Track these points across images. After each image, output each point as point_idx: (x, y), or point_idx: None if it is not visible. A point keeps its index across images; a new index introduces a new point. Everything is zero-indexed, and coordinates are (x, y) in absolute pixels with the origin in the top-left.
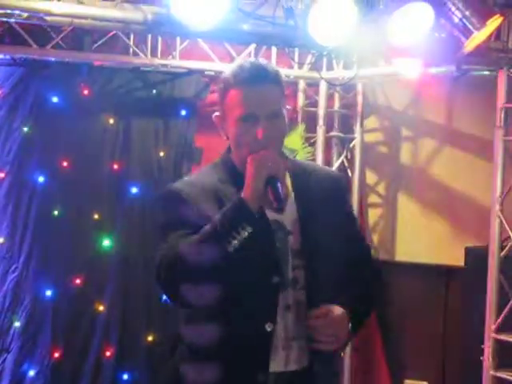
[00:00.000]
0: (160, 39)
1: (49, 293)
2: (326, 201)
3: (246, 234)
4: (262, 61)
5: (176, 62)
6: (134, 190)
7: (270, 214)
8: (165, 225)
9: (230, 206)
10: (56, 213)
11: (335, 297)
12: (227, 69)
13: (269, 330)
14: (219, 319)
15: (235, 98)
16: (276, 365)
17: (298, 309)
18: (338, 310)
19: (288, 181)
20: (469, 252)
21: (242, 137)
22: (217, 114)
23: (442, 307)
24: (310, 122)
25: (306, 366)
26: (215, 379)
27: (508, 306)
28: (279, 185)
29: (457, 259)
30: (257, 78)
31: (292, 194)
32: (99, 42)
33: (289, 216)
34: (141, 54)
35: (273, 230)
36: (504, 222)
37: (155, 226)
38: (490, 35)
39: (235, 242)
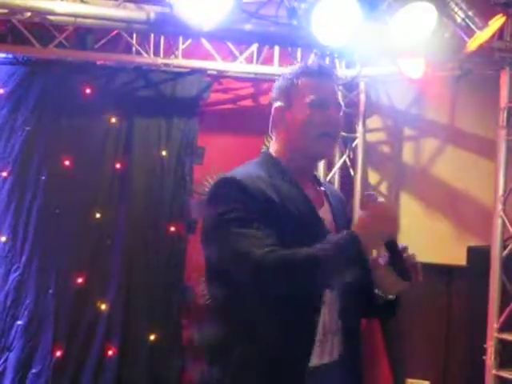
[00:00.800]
0: (163, 38)
1: (51, 291)
2: (343, 213)
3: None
4: (322, 62)
5: (178, 62)
6: (137, 189)
7: (318, 210)
8: (229, 212)
9: (347, 242)
10: (58, 211)
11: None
12: (290, 67)
13: (316, 320)
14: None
15: (306, 86)
16: (313, 359)
17: (331, 305)
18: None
19: (317, 185)
20: (471, 251)
21: (315, 121)
22: (279, 104)
23: (444, 306)
24: None
25: (336, 360)
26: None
27: (510, 306)
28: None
29: (459, 259)
30: (326, 71)
31: (325, 197)
32: (102, 41)
33: (327, 216)
34: (143, 53)
35: None
36: (506, 221)
37: (212, 215)
38: (493, 35)
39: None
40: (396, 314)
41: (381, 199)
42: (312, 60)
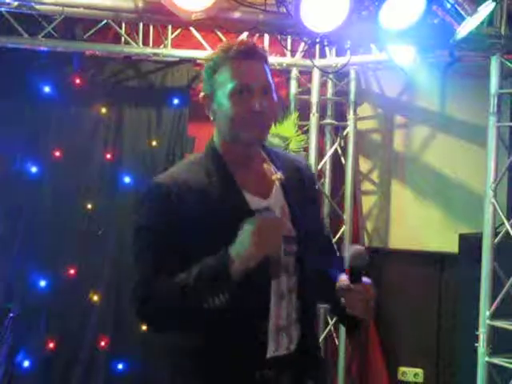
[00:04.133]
0: (152, 28)
1: (43, 283)
2: (302, 189)
3: (225, 298)
4: (248, 40)
5: (168, 51)
6: (127, 179)
7: (259, 201)
8: (147, 227)
9: (214, 269)
10: (49, 203)
11: (319, 284)
12: (214, 51)
13: (261, 323)
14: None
15: (226, 72)
16: (268, 351)
17: (290, 296)
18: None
19: (268, 166)
20: (462, 239)
21: (236, 110)
22: (203, 94)
23: (436, 294)
24: (303, 109)
25: (295, 350)
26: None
27: (502, 293)
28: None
29: (451, 246)
30: (247, 53)
31: (278, 184)
32: (91, 31)
33: (276, 202)
34: (133, 43)
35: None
36: (498, 208)
37: (136, 220)
38: (483, 21)
39: (216, 300)
40: (358, 333)
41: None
42: (232, 42)
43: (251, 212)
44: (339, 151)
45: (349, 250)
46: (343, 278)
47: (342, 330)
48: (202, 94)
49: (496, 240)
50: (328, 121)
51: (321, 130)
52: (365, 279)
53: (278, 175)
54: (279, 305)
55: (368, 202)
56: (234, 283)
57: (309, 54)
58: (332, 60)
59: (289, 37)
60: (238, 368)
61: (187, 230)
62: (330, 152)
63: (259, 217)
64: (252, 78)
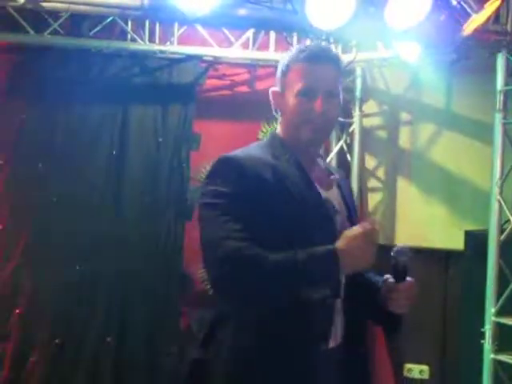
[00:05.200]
0: (158, 25)
1: (49, 279)
2: (350, 191)
3: (325, 293)
4: (324, 44)
5: (174, 48)
6: (133, 175)
7: (323, 192)
8: (218, 194)
9: (325, 260)
10: (55, 199)
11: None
12: (291, 50)
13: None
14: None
15: (297, 73)
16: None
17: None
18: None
19: (324, 165)
20: (468, 236)
21: (300, 110)
22: (275, 89)
23: (442, 291)
24: None
25: (340, 344)
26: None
27: (508, 290)
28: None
29: (456, 243)
30: (319, 56)
31: (334, 184)
32: (97, 28)
33: (335, 197)
34: (139, 39)
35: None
36: (504, 205)
37: (205, 193)
38: (489, 18)
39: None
40: (398, 330)
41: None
42: (313, 43)
43: (321, 197)
44: (345, 148)
45: (393, 249)
46: (388, 277)
47: None
48: (273, 89)
49: (502, 237)
50: None
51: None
52: (408, 278)
53: (336, 176)
54: None
55: (374, 199)
56: (337, 281)
57: None
58: None
59: (295, 34)
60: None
61: (262, 199)
62: (335, 149)
63: (367, 227)
64: (319, 82)
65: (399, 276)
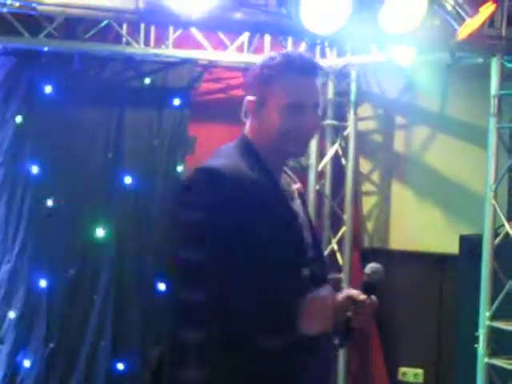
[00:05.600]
0: (153, 28)
1: (43, 283)
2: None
3: None
4: (307, 53)
5: (169, 51)
6: (128, 179)
7: (292, 205)
8: (200, 225)
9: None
10: (50, 203)
11: None
12: (271, 57)
13: None
14: None
15: (283, 85)
16: None
17: None
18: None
19: (290, 180)
20: (463, 239)
21: (288, 123)
22: (252, 98)
23: (436, 295)
24: None
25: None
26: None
27: (502, 294)
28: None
29: (451, 247)
30: (306, 69)
31: (296, 194)
32: (92, 32)
33: (299, 210)
34: (134, 43)
35: None
36: (498, 209)
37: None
38: (484, 22)
39: None
40: (344, 344)
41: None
42: (294, 52)
43: (292, 209)
44: (340, 152)
45: (368, 266)
46: (354, 292)
47: None
48: (250, 99)
49: (496, 241)
50: (328, 121)
51: (321, 131)
52: (373, 297)
53: (298, 185)
54: None
55: (368, 203)
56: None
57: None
58: (332, 61)
59: (289, 38)
60: None
61: (246, 219)
62: (330, 152)
63: (340, 298)
64: (307, 96)
65: (368, 293)
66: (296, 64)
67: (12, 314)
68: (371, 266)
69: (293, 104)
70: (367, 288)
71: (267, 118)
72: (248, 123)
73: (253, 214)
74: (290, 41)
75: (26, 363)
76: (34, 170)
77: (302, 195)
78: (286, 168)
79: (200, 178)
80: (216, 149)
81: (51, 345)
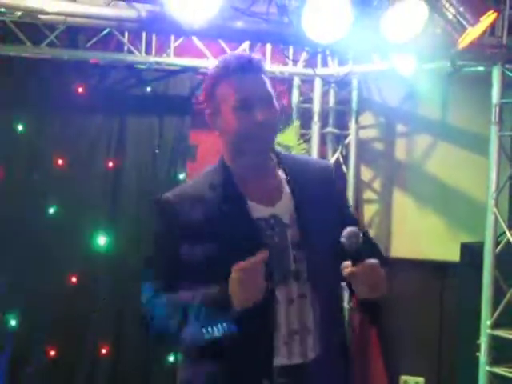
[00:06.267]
0: (154, 37)
1: (44, 291)
2: (321, 192)
3: (224, 328)
4: (244, 53)
5: (170, 60)
6: (130, 187)
7: (267, 209)
8: (154, 237)
9: (216, 304)
10: (51, 211)
11: (337, 287)
12: (212, 66)
13: (268, 330)
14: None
15: (227, 89)
16: (279, 359)
17: (302, 302)
18: (374, 260)
19: (281, 173)
20: (464, 247)
21: (240, 124)
22: (208, 111)
23: (437, 303)
24: (305, 118)
25: (314, 359)
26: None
27: (503, 302)
28: None
29: (452, 255)
30: (244, 67)
31: (287, 187)
32: (94, 40)
33: (285, 209)
34: (135, 51)
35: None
36: (499, 217)
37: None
38: (485, 31)
39: (215, 331)
40: (377, 316)
41: None
42: (229, 55)
43: (252, 221)
44: (341, 160)
45: (342, 235)
46: (346, 264)
47: None
48: (207, 112)
49: (497, 249)
50: (330, 129)
51: (322, 139)
52: (369, 260)
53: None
54: (288, 311)
55: (370, 211)
56: (235, 316)
57: (311, 63)
58: (334, 69)
59: (291, 46)
60: (244, 375)
61: (189, 241)
62: (331, 161)
63: (237, 266)
64: (252, 92)
65: (353, 260)
66: (233, 65)
67: (13, 322)
68: (345, 233)
69: (240, 103)
70: (349, 257)
71: (224, 124)
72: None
73: (192, 233)
74: (291, 49)
75: (27, 371)
76: (35, 177)
77: (293, 188)
78: (283, 158)
79: (152, 207)
80: None
81: (52, 353)
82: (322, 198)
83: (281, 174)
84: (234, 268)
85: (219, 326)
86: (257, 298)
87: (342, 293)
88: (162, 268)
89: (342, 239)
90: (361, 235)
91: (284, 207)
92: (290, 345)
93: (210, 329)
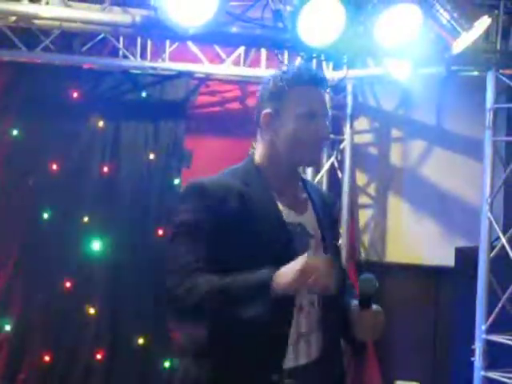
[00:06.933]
0: (149, 42)
1: (39, 296)
2: (330, 219)
3: (260, 311)
4: (315, 67)
5: (165, 65)
6: (124, 192)
7: (295, 217)
8: (185, 223)
9: (256, 284)
10: (46, 216)
11: (341, 301)
12: (282, 71)
13: (286, 331)
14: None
15: (298, 96)
16: (287, 360)
17: (310, 309)
18: (379, 307)
19: (303, 191)
20: (459, 252)
21: (304, 132)
22: (268, 111)
23: (432, 308)
24: None
25: (316, 359)
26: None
27: (498, 307)
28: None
29: (447, 259)
30: (319, 80)
31: (309, 202)
32: (88, 45)
33: (310, 221)
34: (130, 56)
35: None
36: (494, 222)
37: (175, 218)
38: (479, 36)
39: (251, 312)
40: (360, 355)
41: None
42: (303, 65)
43: (284, 222)
44: (336, 164)
45: (359, 278)
46: (354, 304)
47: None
48: (267, 111)
49: (492, 254)
50: None
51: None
52: (374, 306)
53: (306, 196)
54: (298, 316)
55: (364, 216)
56: (271, 300)
57: None
58: (329, 74)
59: (285, 51)
60: (254, 375)
61: (222, 228)
62: (326, 165)
63: (311, 257)
64: (320, 105)
65: (363, 304)
66: (307, 76)
67: (7, 327)
68: (362, 278)
69: (306, 113)
70: (361, 301)
71: (282, 128)
72: (259, 141)
73: (227, 221)
74: (286, 54)
75: (21, 376)
76: (30, 182)
77: (315, 206)
78: (305, 179)
79: (186, 189)
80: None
81: (47, 358)
82: (330, 223)
83: (301, 190)
84: (303, 256)
85: (256, 307)
86: (301, 286)
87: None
88: (200, 250)
89: (359, 283)
90: (376, 284)
91: (309, 219)
92: (296, 347)
93: (246, 309)
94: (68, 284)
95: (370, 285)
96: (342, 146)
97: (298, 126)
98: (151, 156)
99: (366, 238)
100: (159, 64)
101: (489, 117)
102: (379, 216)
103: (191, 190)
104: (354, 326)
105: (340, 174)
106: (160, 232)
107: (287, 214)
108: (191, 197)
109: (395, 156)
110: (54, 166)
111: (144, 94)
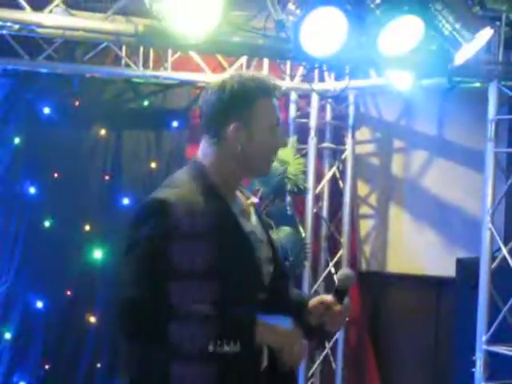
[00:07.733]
0: (152, 51)
1: (40, 304)
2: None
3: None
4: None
5: (168, 74)
6: (126, 201)
7: (248, 224)
8: (149, 239)
9: (241, 326)
10: (47, 224)
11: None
12: (239, 78)
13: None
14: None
15: (266, 108)
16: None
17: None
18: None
19: (243, 196)
20: (460, 263)
21: (274, 143)
22: (236, 124)
23: (433, 318)
24: (302, 133)
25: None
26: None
27: (499, 318)
28: None
29: (448, 270)
30: (275, 90)
31: (252, 209)
32: (91, 54)
33: (257, 226)
34: (133, 65)
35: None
36: (495, 233)
37: (134, 235)
38: (481, 48)
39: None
40: (322, 344)
41: None
42: (261, 75)
43: (246, 233)
44: (337, 175)
45: (338, 273)
46: (328, 298)
47: (340, 353)
48: (235, 125)
49: (493, 265)
50: (326, 144)
51: (319, 154)
52: (346, 300)
53: (252, 199)
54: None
55: (366, 226)
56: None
57: (308, 78)
58: (331, 84)
59: (288, 61)
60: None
61: (188, 246)
62: (328, 175)
63: (295, 331)
64: (278, 115)
65: (338, 297)
66: (271, 87)
67: (8, 335)
68: (341, 273)
69: (273, 125)
70: (339, 294)
71: (252, 140)
72: (214, 149)
73: (201, 241)
74: (288, 64)
75: None
76: (31, 190)
77: (258, 209)
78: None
79: (150, 207)
80: (168, 177)
81: (47, 366)
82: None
83: (240, 193)
84: (290, 330)
85: (231, 344)
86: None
87: None
88: (158, 273)
89: (338, 277)
90: (353, 279)
91: (255, 225)
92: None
93: (221, 344)
94: (69, 292)
95: (348, 281)
96: (343, 156)
97: (267, 138)
98: (153, 165)
99: (367, 248)
100: (161, 73)
101: (490, 128)
102: (380, 226)
103: (155, 207)
104: (326, 319)
105: (341, 184)
106: None
107: (242, 223)
108: (155, 216)
109: (397, 166)
110: (56, 175)
111: (146, 103)
